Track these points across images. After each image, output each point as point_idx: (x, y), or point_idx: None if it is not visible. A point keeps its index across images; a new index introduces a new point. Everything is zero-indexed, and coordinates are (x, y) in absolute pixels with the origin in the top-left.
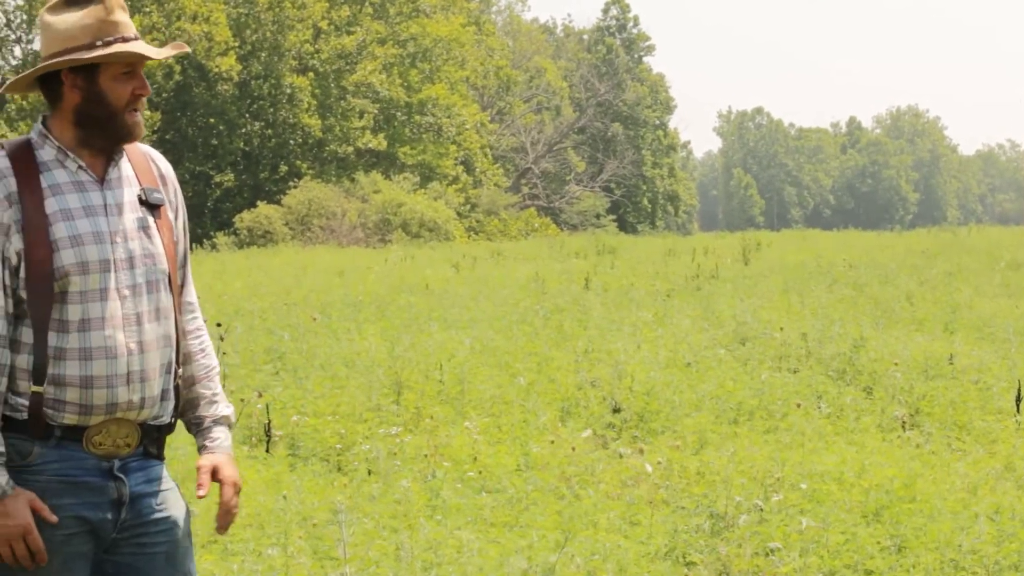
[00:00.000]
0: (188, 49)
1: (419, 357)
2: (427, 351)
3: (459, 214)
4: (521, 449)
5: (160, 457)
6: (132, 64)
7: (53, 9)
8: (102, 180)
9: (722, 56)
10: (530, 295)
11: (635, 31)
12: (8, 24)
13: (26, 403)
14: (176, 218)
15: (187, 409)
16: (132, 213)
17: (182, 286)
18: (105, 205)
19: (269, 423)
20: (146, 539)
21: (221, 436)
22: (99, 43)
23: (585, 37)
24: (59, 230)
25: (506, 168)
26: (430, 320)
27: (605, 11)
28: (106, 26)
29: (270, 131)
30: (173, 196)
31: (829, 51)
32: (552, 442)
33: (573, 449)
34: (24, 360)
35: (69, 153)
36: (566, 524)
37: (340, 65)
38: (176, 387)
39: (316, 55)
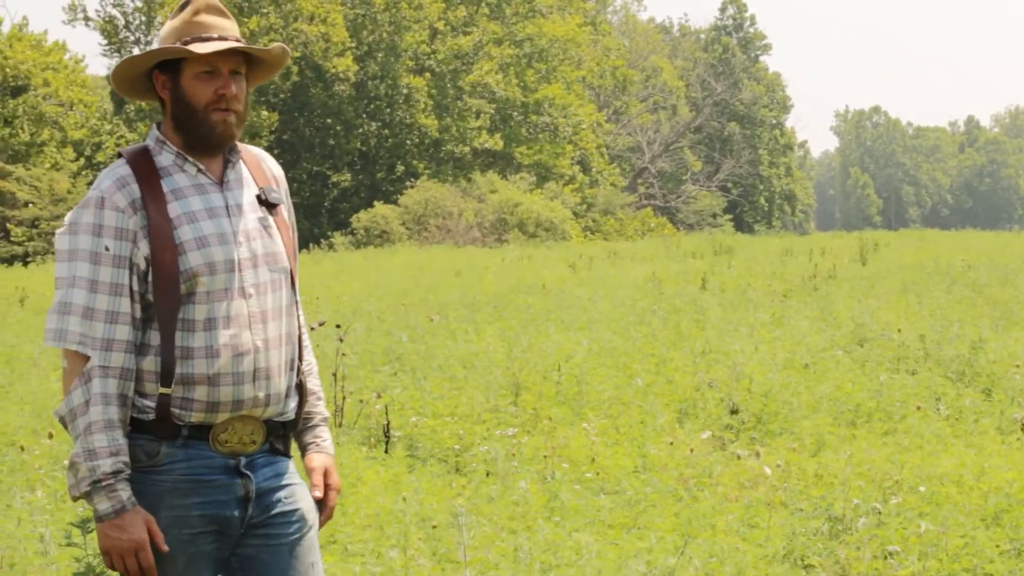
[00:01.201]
0: (233, 45)
1: (537, 358)
2: (545, 352)
3: (575, 214)
4: (639, 450)
5: (287, 453)
6: (215, 64)
7: (169, 17)
8: (221, 182)
9: (839, 55)
10: (647, 295)
11: (751, 30)
12: (127, 25)
13: (153, 404)
14: (289, 217)
15: None
16: (253, 213)
17: None
18: (227, 206)
19: (388, 424)
20: (272, 531)
21: (327, 436)
22: (179, 43)
23: (701, 36)
24: (184, 232)
25: (622, 168)
26: (547, 321)
27: (722, 10)
28: (189, 27)
29: (387, 131)
30: (285, 196)
31: (947, 49)
32: (670, 443)
33: (691, 451)
34: (151, 362)
35: (188, 157)
36: (684, 526)
37: (456, 65)
38: (299, 383)
39: (432, 55)
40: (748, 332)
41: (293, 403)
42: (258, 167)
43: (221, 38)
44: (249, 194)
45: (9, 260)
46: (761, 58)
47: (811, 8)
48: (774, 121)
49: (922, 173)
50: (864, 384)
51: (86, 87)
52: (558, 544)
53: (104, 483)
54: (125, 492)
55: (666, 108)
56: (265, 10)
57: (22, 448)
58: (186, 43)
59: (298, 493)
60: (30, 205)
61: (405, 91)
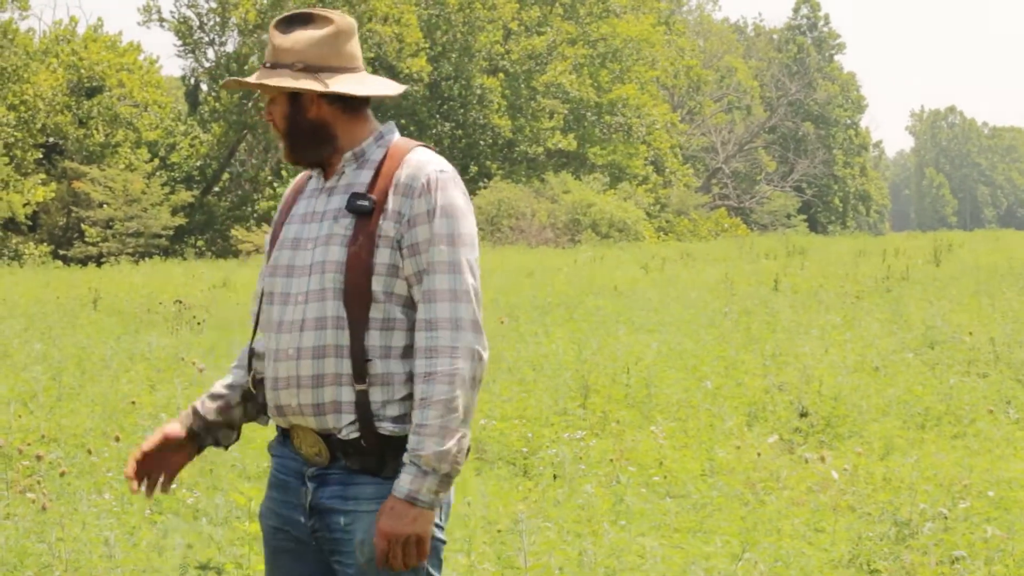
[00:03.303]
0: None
1: (606, 360)
2: (614, 354)
3: (649, 214)
4: (707, 454)
5: (377, 474)
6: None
7: None
8: (327, 187)
9: (914, 54)
10: (719, 297)
11: (825, 29)
12: (202, 27)
13: None
14: (410, 229)
15: None
16: (327, 221)
17: (420, 302)
18: (314, 212)
19: None
20: (339, 557)
21: (401, 478)
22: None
23: (775, 36)
24: (282, 233)
25: (696, 168)
26: (618, 323)
27: (795, 10)
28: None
29: (460, 132)
30: (403, 205)
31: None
32: (738, 447)
33: (759, 454)
34: None
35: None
36: (749, 531)
37: (530, 66)
38: (359, 401)
39: (506, 56)
40: (819, 334)
41: (348, 419)
42: (388, 172)
43: (262, 65)
44: (342, 201)
45: (83, 261)
46: (835, 58)
47: (885, 7)
48: (849, 121)
49: (998, 173)
50: (934, 387)
51: (161, 88)
52: (623, 548)
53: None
54: (187, 418)
55: (740, 108)
56: (340, 10)
57: (90, 451)
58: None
59: (360, 522)
60: (104, 206)
61: (479, 91)
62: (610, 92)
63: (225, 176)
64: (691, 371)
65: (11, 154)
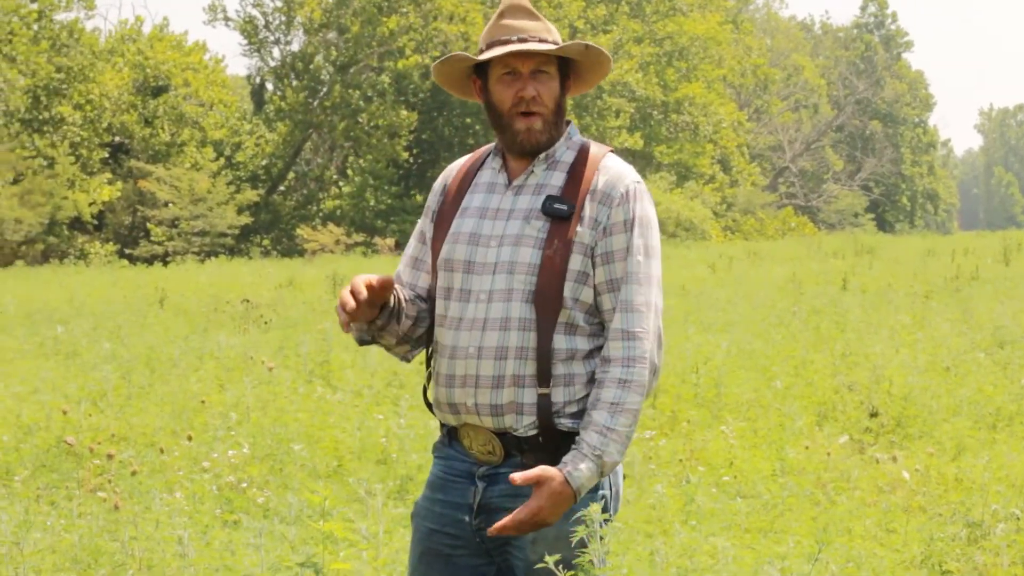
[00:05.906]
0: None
1: (675, 360)
2: (683, 354)
3: (715, 213)
4: (777, 454)
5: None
6: (513, 66)
7: None
8: (514, 185)
9: (983, 51)
10: (787, 296)
11: (893, 27)
12: (267, 26)
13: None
14: (605, 237)
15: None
16: (520, 220)
17: (612, 310)
18: (498, 209)
19: None
20: (507, 552)
21: (573, 460)
22: (485, 47)
23: (842, 34)
24: (454, 226)
25: (763, 167)
26: (687, 322)
27: (863, 8)
28: (494, 30)
29: None
30: (600, 213)
31: None
32: (808, 447)
33: (829, 454)
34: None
35: (499, 155)
36: (821, 531)
37: None
38: (541, 404)
39: None
40: (889, 334)
41: (528, 420)
42: (586, 177)
43: (520, 40)
44: (535, 202)
45: (149, 260)
46: (903, 55)
47: (953, 4)
48: (917, 119)
49: None
50: (1005, 387)
51: (226, 87)
52: (694, 548)
53: None
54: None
55: (807, 107)
56: (404, 10)
57: (161, 450)
58: (489, 47)
59: None
60: (170, 205)
61: None
62: (676, 91)
63: (290, 175)
64: (761, 371)
65: (77, 153)
